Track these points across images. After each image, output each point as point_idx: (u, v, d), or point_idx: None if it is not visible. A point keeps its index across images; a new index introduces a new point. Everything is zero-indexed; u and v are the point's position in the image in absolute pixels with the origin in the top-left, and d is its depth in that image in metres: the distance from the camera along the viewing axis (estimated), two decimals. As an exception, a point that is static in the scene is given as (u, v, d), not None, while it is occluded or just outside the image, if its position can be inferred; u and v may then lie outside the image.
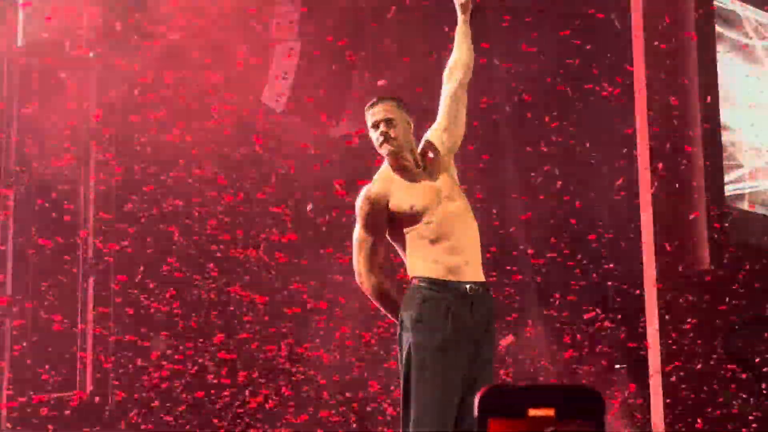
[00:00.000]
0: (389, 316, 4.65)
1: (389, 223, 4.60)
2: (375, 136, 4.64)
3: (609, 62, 9.08)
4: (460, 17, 4.84)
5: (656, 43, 8.46)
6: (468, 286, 4.52)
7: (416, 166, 4.66)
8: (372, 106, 4.66)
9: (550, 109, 9.08)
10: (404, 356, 4.49)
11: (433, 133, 4.78)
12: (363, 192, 4.64)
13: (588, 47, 9.05)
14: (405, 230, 4.58)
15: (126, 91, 8.87)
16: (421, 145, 4.75)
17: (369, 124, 4.66)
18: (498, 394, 1.99)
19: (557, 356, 8.93)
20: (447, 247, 4.53)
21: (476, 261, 4.59)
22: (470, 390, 4.48)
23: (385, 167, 4.70)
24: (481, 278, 4.59)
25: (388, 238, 4.66)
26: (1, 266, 9.05)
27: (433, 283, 4.51)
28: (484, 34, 9.09)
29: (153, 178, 8.94)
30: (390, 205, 4.58)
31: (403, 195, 4.57)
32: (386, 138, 4.60)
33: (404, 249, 4.62)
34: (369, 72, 9.17)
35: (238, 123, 9.04)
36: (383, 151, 4.63)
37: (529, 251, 9.16)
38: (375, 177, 4.70)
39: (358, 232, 4.63)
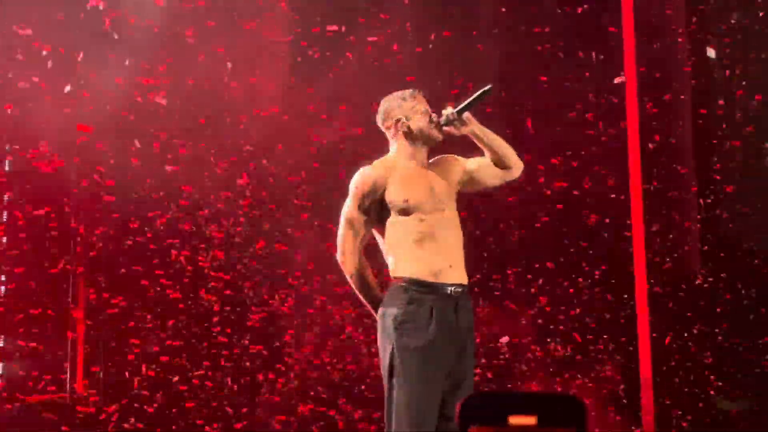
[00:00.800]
0: (363, 300, 4.68)
1: (379, 211, 4.61)
2: (427, 119, 4.73)
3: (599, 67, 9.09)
4: (467, 130, 4.81)
5: (648, 45, 8.45)
6: (452, 288, 4.55)
7: (421, 165, 4.72)
8: (417, 93, 4.80)
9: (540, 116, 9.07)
10: (388, 357, 4.51)
11: (464, 158, 4.87)
12: (362, 171, 4.68)
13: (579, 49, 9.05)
14: (391, 221, 4.61)
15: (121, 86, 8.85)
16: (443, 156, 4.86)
17: (422, 107, 4.76)
18: (479, 402, 1.98)
19: (546, 361, 8.93)
20: (433, 248, 4.58)
21: (460, 264, 4.64)
22: (453, 392, 4.54)
23: (389, 157, 4.76)
24: (465, 281, 4.63)
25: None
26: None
27: (418, 284, 4.55)
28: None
29: (144, 178, 8.92)
30: (386, 193, 4.59)
31: (400, 187, 4.62)
32: (438, 126, 4.74)
33: (386, 240, 4.65)
34: (365, 71, 9.16)
35: (232, 124, 9.04)
36: (435, 135, 4.74)
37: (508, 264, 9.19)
38: (375, 163, 4.73)
39: (350, 210, 4.65)
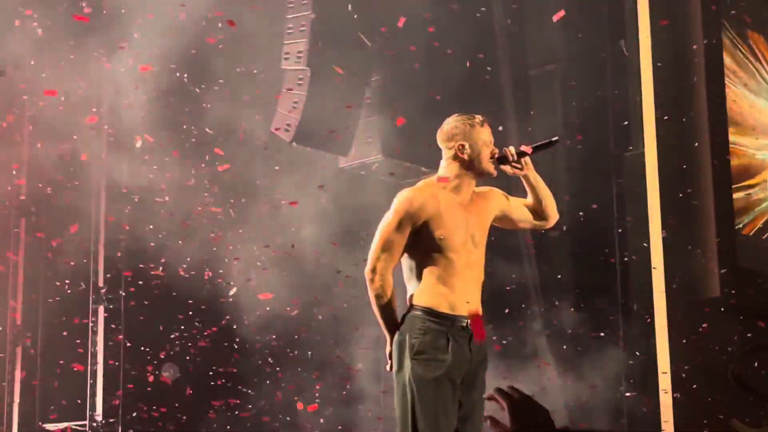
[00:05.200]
0: (380, 320, 4.67)
1: (413, 237, 4.62)
2: (488, 152, 4.72)
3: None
4: (521, 173, 4.83)
5: (664, 71, 8.48)
6: (467, 321, 4.60)
7: (465, 198, 4.72)
8: (486, 123, 4.77)
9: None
10: (404, 385, 4.55)
11: (506, 195, 4.89)
12: (409, 194, 4.65)
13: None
14: (421, 251, 4.62)
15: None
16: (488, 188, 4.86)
17: (488, 138, 4.74)
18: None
19: (564, 382, 8.95)
20: (454, 286, 4.62)
21: (477, 300, 4.67)
22: (464, 421, 4.60)
23: (432, 181, 4.74)
24: (479, 313, 4.68)
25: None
26: (12, 295, 9.07)
27: (434, 314, 4.58)
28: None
29: (161, 204, 8.94)
30: (426, 224, 4.60)
31: (441, 222, 4.61)
32: (496, 162, 4.75)
33: (409, 264, 4.66)
34: (379, 102, 9.21)
35: (248, 152, 9.09)
36: (490, 171, 4.73)
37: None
38: (423, 185, 4.72)
39: (390, 230, 4.61)
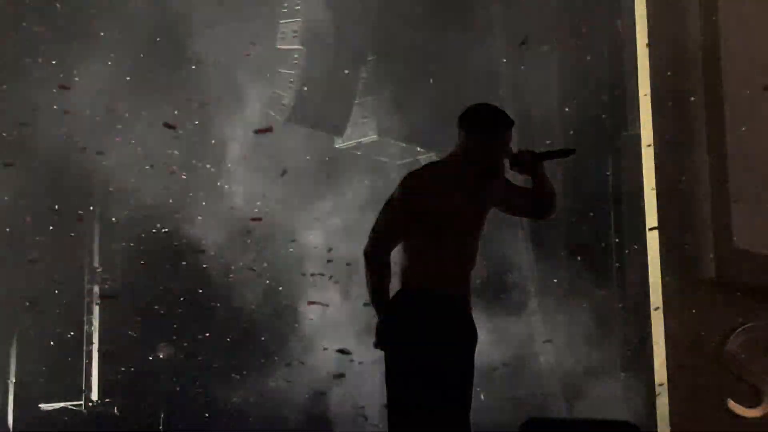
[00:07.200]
0: (371, 298, 4.63)
1: (416, 217, 4.57)
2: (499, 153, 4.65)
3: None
4: (533, 175, 4.74)
5: (660, 54, 8.45)
6: (457, 301, 4.59)
7: (471, 184, 4.67)
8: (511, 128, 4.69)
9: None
10: (392, 362, 4.53)
11: (510, 183, 4.82)
12: (415, 176, 4.62)
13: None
14: (420, 233, 4.58)
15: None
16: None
17: (503, 139, 4.64)
18: (537, 428, 2.01)
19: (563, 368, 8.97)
20: (448, 269, 4.59)
21: (467, 282, 4.67)
22: (456, 401, 4.56)
23: (437, 164, 4.72)
24: (469, 294, 4.67)
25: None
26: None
27: (426, 295, 4.56)
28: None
29: (157, 184, 8.92)
30: (429, 208, 4.54)
31: (441, 207, 4.56)
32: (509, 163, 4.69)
33: (403, 244, 4.61)
34: (375, 81, 9.19)
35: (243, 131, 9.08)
36: (497, 171, 4.66)
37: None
38: (426, 168, 4.70)
39: (391, 210, 4.59)
